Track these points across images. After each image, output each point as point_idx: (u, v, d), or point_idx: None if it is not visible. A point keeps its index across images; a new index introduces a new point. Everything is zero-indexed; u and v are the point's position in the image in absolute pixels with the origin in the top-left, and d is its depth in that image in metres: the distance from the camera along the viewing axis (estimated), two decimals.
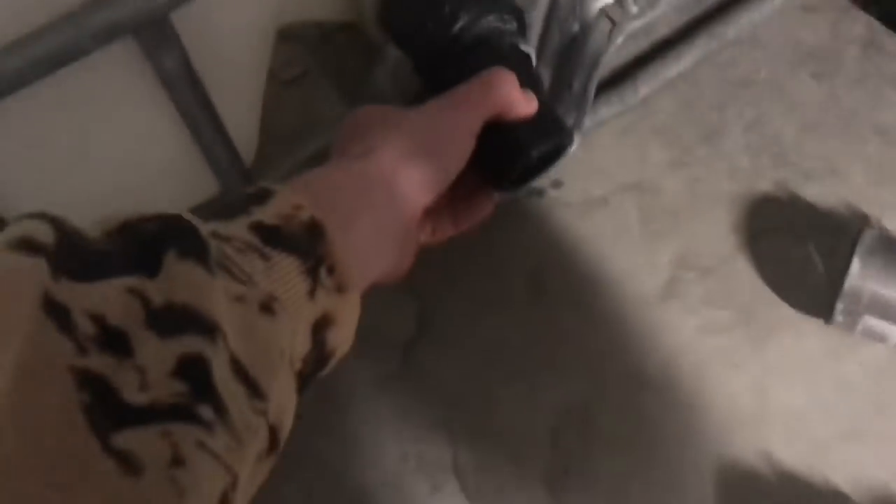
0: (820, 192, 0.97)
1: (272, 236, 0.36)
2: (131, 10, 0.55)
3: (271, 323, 0.34)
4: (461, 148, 0.48)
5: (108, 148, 0.67)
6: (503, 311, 0.92)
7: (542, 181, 1.02)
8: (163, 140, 0.69)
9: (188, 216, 0.33)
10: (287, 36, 0.90)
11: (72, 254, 0.29)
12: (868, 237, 0.81)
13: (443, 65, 0.86)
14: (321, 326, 0.38)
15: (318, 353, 0.38)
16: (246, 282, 0.34)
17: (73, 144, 0.64)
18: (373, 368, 0.90)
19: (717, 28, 1.11)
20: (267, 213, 0.37)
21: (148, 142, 0.69)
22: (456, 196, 0.53)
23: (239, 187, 0.74)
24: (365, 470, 0.84)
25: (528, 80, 0.56)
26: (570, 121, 0.97)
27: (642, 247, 0.96)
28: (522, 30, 0.92)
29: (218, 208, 0.38)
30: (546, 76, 0.97)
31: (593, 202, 1.00)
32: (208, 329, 0.30)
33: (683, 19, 1.10)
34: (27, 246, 0.28)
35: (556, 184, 1.02)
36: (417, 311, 0.93)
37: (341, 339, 0.40)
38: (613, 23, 0.92)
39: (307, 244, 0.38)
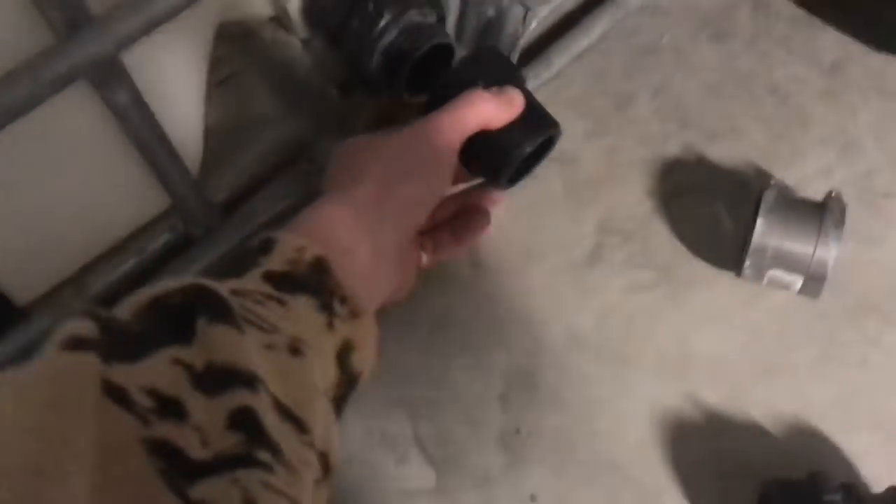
0: (723, 152, 1.06)
1: (284, 282, 0.41)
2: (84, 55, 0.57)
3: (301, 363, 0.39)
4: (443, 168, 0.52)
5: (62, 177, 0.69)
6: (448, 287, 0.99)
7: None
8: (114, 164, 0.71)
9: (207, 282, 0.38)
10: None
11: (116, 340, 0.33)
12: (769, 196, 0.90)
13: (368, 56, 0.91)
14: (344, 353, 0.43)
15: (347, 377, 0.43)
16: (271, 330, 0.38)
17: (28, 177, 0.66)
18: None
19: None
20: (274, 262, 0.42)
21: (100, 167, 0.71)
22: (454, 213, 0.58)
23: (190, 198, 0.77)
24: None
25: (510, 79, 0.60)
26: None
27: (568, 215, 1.03)
28: (442, 21, 0.97)
29: (230, 264, 0.42)
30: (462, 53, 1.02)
31: None
32: (249, 381, 0.35)
33: None
34: (77, 344, 0.32)
35: None
36: None
37: (364, 360, 0.45)
38: (527, 8, 0.97)
39: (317, 281, 0.42)
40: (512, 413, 0.91)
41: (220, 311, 0.36)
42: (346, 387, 0.43)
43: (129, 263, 0.79)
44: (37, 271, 0.74)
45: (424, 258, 0.57)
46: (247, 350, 0.36)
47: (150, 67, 0.65)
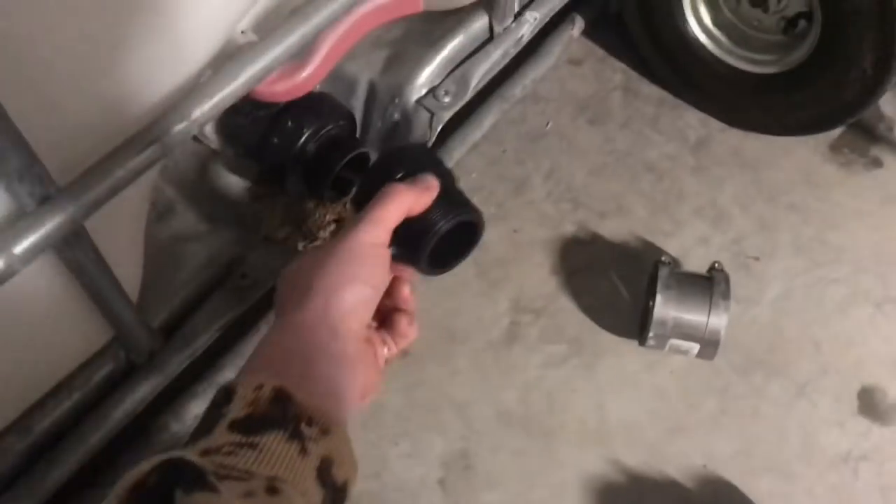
0: (613, 228, 1.16)
1: (250, 425, 0.43)
2: (54, 227, 0.59)
3: (281, 500, 0.41)
4: (380, 265, 0.54)
5: (7, 325, 0.69)
6: None
7: None
8: (59, 305, 0.72)
9: (177, 453, 0.40)
10: None
11: None
12: (663, 274, 1.01)
13: (291, 168, 0.95)
14: (324, 471, 0.44)
15: (333, 492, 0.45)
16: (247, 478, 0.40)
17: None
18: None
19: (506, 90, 1.27)
20: (237, 408, 0.44)
21: (45, 309, 0.72)
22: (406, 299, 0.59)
23: (132, 327, 0.79)
24: None
25: (431, 166, 0.65)
26: None
27: (483, 296, 1.10)
28: (354, 130, 1.03)
29: (200, 422, 0.45)
30: (372, 156, 1.08)
31: None
32: None
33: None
34: None
35: None
36: None
37: (346, 470, 0.46)
38: (431, 112, 1.05)
39: (280, 413, 0.44)
40: (452, 496, 0.97)
41: (194, 479, 0.38)
42: (335, 501, 0.45)
43: (73, 399, 0.79)
44: None
45: (386, 351, 0.58)
46: None
47: (105, 221, 0.68)
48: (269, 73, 0.73)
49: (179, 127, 0.65)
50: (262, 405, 0.44)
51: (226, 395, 0.45)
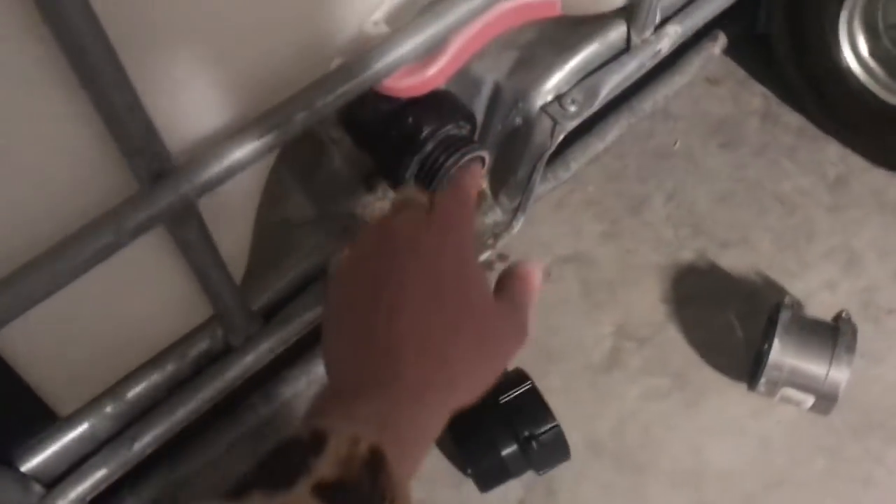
0: (734, 260, 1.10)
1: (336, 496, 0.37)
2: (166, 205, 0.59)
3: None
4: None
5: (113, 291, 0.70)
6: None
7: (489, 255, 1.10)
8: (165, 280, 0.73)
9: None
10: None
11: None
12: (784, 317, 0.94)
13: (406, 164, 0.94)
14: None
15: None
16: None
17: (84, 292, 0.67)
18: None
19: (635, 103, 1.22)
20: (327, 464, 0.38)
21: (151, 283, 0.72)
22: None
23: (233, 308, 0.78)
24: None
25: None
26: (514, 203, 1.06)
27: (585, 317, 1.06)
28: (474, 131, 1.00)
29: (277, 458, 0.39)
30: (489, 160, 1.05)
31: None
32: None
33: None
34: None
35: (502, 257, 1.11)
36: None
37: None
38: (555, 121, 1.01)
39: (369, 486, 0.38)
40: None
41: None
42: None
43: (167, 371, 0.80)
44: (82, 382, 0.75)
45: None
46: None
47: (217, 200, 0.67)
48: (398, 69, 0.71)
49: (301, 115, 0.63)
50: (356, 469, 0.38)
51: (316, 443, 0.39)
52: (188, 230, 0.64)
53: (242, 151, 0.62)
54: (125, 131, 0.53)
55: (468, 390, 0.45)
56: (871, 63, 1.11)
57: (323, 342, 0.48)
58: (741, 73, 1.26)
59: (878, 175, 1.15)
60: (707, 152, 1.20)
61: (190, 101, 0.60)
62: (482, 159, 0.96)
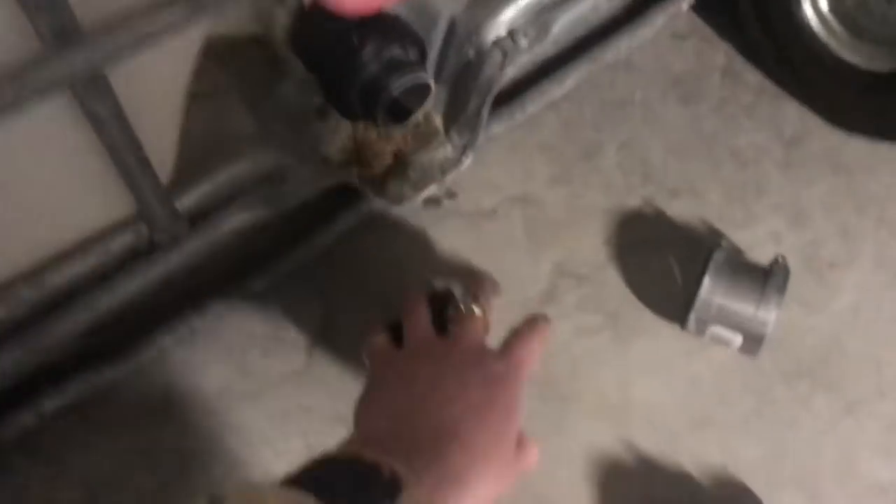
0: (681, 209, 1.10)
1: None
2: (71, 68, 0.60)
3: None
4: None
5: (27, 172, 0.71)
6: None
7: (437, 191, 1.11)
8: (82, 165, 0.73)
9: None
10: None
11: None
12: (718, 257, 0.94)
13: (348, 86, 0.94)
14: None
15: None
16: None
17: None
18: (279, 367, 0.98)
19: (597, 52, 1.22)
20: None
21: (67, 166, 0.73)
22: None
23: (156, 206, 0.79)
24: (272, 463, 0.92)
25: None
26: (464, 139, 1.06)
27: (526, 255, 1.06)
28: (423, 59, 1.00)
29: (357, 483, 0.44)
30: (443, 94, 1.05)
31: (484, 213, 1.10)
32: None
33: (567, 41, 1.20)
34: None
35: (451, 194, 1.11)
36: (322, 314, 1.01)
37: None
38: (505, 54, 1.01)
39: None
40: None
41: None
42: None
43: (88, 263, 0.81)
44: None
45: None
46: None
47: (132, 80, 0.68)
48: None
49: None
50: None
51: (392, 483, 0.45)
52: (97, 102, 0.65)
53: (154, 24, 0.63)
54: None
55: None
56: (832, 20, 1.10)
57: (363, 401, 0.60)
58: (707, 30, 1.26)
59: (834, 136, 1.15)
60: (665, 106, 1.20)
61: None
62: (428, 87, 0.97)
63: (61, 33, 0.59)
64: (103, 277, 0.83)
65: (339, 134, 1.04)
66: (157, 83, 0.75)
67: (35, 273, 0.78)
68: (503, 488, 0.55)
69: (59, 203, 0.75)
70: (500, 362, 0.63)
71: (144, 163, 0.75)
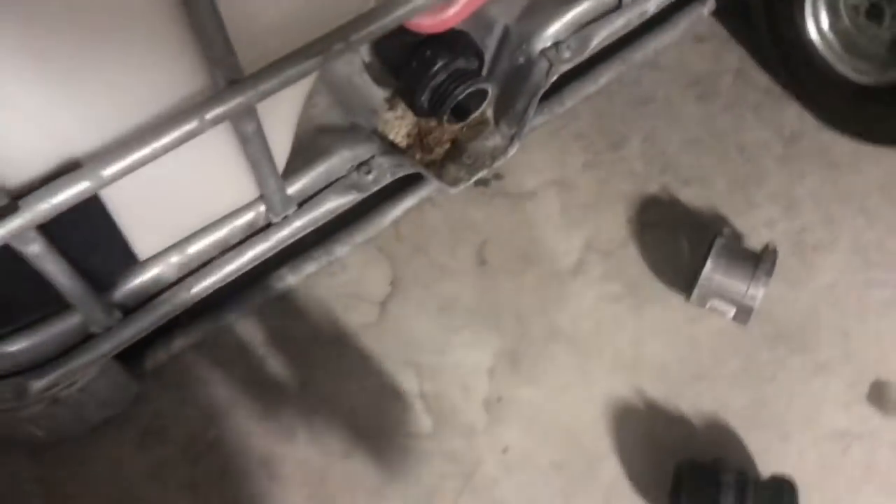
0: (692, 196, 1.30)
1: None
2: (237, 105, 0.80)
3: None
4: None
5: (186, 171, 0.92)
6: (456, 276, 1.23)
7: (486, 174, 1.32)
8: (227, 167, 0.94)
9: None
10: None
11: None
12: (719, 243, 1.15)
13: (421, 90, 1.14)
14: None
15: None
16: None
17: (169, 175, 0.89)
18: (357, 320, 1.20)
19: (627, 54, 1.41)
20: None
21: (216, 168, 0.94)
22: None
23: (276, 192, 1.00)
24: (354, 398, 1.15)
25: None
26: (512, 131, 1.26)
27: (561, 232, 1.27)
28: (482, 67, 1.20)
29: None
30: (494, 91, 1.24)
31: (525, 193, 1.30)
32: None
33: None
34: None
35: (498, 177, 1.32)
36: (391, 276, 1.23)
37: None
38: (551, 64, 1.20)
39: None
40: (497, 384, 1.17)
41: None
42: None
43: (218, 235, 1.02)
44: (159, 235, 0.98)
45: None
46: None
47: (271, 105, 0.88)
48: (422, 11, 0.90)
49: (339, 46, 0.84)
50: None
51: None
52: (248, 125, 0.86)
53: (293, 70, 0.83)
54: (213, 49, 0.74)
55: None
56: (830, 36, 1.28)
57: None
58: (725, 33, 1.44)
59: (827, 135, 1.34)
60: (684, 102, 1.39)
61: (260, 30, 0.81)
62: (486, 92, 1.16)
63: (232, 80, 0.80)
64: (230, 247, 1.05)
65: (405, 121, 1.25)
66: (285, 107, 0.95)
67: (181, 242, 1.00)
68: None
69: (209, 192, 0.97)
70: None
71: (271, 161, 0.95)
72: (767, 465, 1.10)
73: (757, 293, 1.13)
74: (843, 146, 1.33)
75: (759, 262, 1.14)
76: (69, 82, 0.72)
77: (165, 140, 0.79)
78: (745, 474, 1.05)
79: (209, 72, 0.79)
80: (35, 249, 0.81)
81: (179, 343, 1.15)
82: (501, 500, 1.10)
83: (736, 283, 1.14)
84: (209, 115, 0.80)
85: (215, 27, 0.73)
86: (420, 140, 1.28)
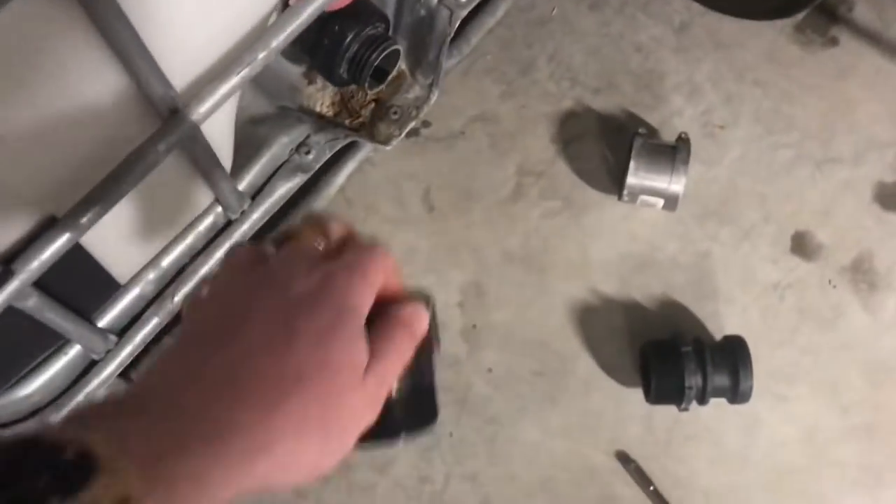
0: (604, 103, 1.40)
1: None
2: (180, 132, 0.87)
3: None
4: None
5: (157, 198, 0.98)
6: (409, 226, 1.33)
7: (415, 124, 1.39)
8: (184, 180, 1.01)
9: None
10: None
11: None
12: (637, 144, 1.26)
13: (337, 63, 1.21)
14: None
15: None
16: None
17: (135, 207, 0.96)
18: None
19: None
20: None
21: (176, 187, 1.01)
22: None
23: (228, 192, 1.08)
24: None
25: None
26: (429, 80, 1.34)
27: (494, 163, 1.37)
28: (388, 29, 1.27)
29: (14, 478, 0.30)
30: (404, 46, 1.32)
31: (454, 134, 1.39)
32: None
33: None
34: None
35: (426, 124, 1.40)
36: None
37: None
38: (451, 10, 1.27)
39: None
40: (468, 314, 1.28)
41: None
42: None
43: (187, 243, 1.09)
44: (134, 259, 1.05)
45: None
46: None
47: (213, 121, 0.95)
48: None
49: (263, 55, 0.90)
50: None
51: (81, 471, 0.31)
52: (197, 147, 0.92)
53: (226, 87, 0.89)
54: (150, 88, 0.81)
55: (286, 468, 0.38)
56: None
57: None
58: None
59: (713, 18, 1.45)
60: (579, 15, 1.47)
61: (187, 60, 0.87)
62: (398, 52, 1.23)
63: (173, 109, 0.86)
64: (198, 252, 1.12)
65: (327, 91, 1.32)
66: (224, 117, 1.01)
67: (154, 259, 1.07)
68: (323, 458, 0.39)
69: (171, 210, 1.04)
70: (311, 277, 0.42)
71: (221, 169, 1.02)
72: (718, 328, 1.25)
73: (679, 181, 1.25)
74: (729, 26, 1.44)
75: (676, 152, 1.26)
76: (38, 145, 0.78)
77: (130, 177, 0.85)
78: (700, 341, 1.18)
79: (150, 108, 0.85)
80: (33, 302, 0.88)
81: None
82: (496, 414, 1.23)
83: (659, 176, 1.25)
84: (161, 147, 0.86)
85: (149, 67, 0.79)
86: (345, 105, 1.35)
